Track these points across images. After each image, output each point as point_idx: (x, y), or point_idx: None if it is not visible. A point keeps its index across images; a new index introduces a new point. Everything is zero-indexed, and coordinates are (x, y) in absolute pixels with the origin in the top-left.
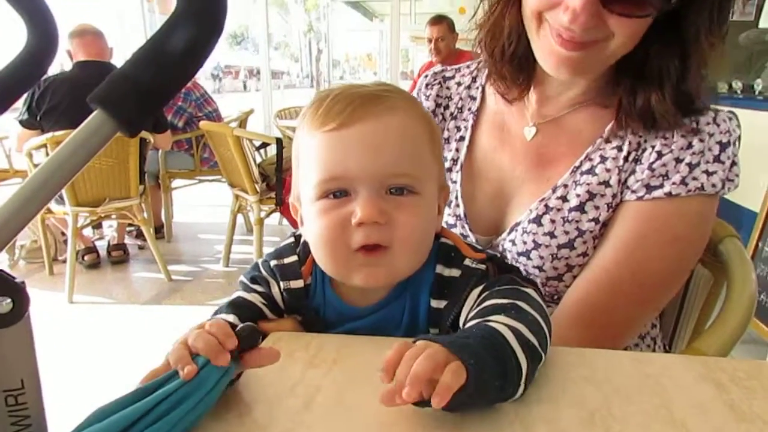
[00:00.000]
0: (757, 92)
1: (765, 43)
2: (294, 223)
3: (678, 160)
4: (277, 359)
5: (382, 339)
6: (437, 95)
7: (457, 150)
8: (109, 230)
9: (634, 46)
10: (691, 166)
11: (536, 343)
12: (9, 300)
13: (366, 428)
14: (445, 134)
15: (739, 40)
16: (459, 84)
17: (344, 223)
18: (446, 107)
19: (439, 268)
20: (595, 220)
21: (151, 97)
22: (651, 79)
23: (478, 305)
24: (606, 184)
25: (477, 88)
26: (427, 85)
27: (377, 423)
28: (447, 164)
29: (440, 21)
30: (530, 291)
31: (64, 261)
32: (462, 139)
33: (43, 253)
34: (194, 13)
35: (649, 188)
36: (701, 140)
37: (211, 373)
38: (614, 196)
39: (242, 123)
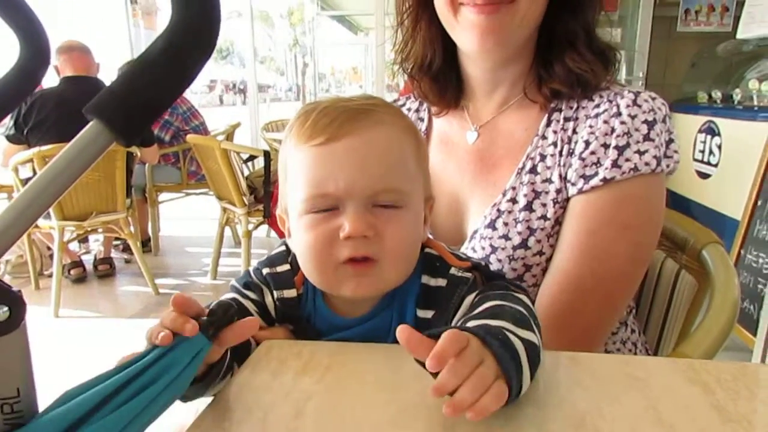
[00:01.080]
0: (735, 102)
1: (743, 54)
2: (282, 236)
3: (605, 146)
4: (255, 329)
5: (375, 345)
6: None
7: None
8: (96, 244)
9: (541, 9)
10: (620, 149)
11: (538, 354)
12: (6, 308)
13: None
14: None
15: (718, 51)
16: (409, 110)
17: (332, 237)
18: None
19: (425, 279)
20: (544, 218)
21: (145, 107)
22: (561, 45)
23: (474, 307)
24: (548, 180)
25: (424, 110)
26: None
27: (370, 429)
28: None
29: None
30: (522, 296)
31: (50, 275)
32: None
33: (29, 267)
34: (188, 25)
35: (585, 178)
36: (623, 122)
37: (185, 352)
38: (558, 191)
39: (229, 136)
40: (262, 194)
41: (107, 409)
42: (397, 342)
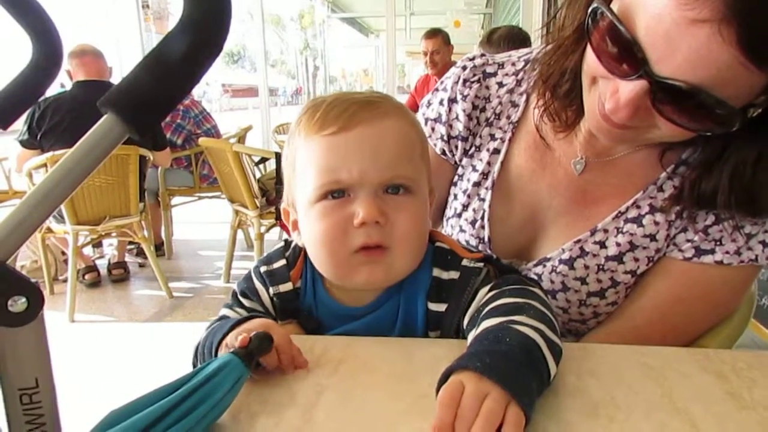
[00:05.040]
0: None
1: None
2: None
3: (737, 228)
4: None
5: (386, 339)
6: (476, 96)
7: (489, 164)
8: (110, 249)
9: (683, 139)
10: (749, 237)
11: (559, 343)
12: (24, 299)
13: (372, 426)
14: (477, 141)
15: None
16: (500, 85)
17: (345, 225)
18: (483, 110)
19: (436, 272)
20: (632, 273)
21: (157, 101)
22: (721, 173)
23: (487, 303)
24: (652, 237)
25: (521, 94)
26: (465, 81)
27: (383, 421)
28: (475, 177)
29: (435, 34)
30: (537, 290)
31: (65, 280)
32: (497, 152)
33: (43, 272)
34: (197, 22)
35: (699, 251)
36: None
37: (226, 379)
38: (658, 250)
39: (241, 139)
40: (274, 196)
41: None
42: (405, 334)
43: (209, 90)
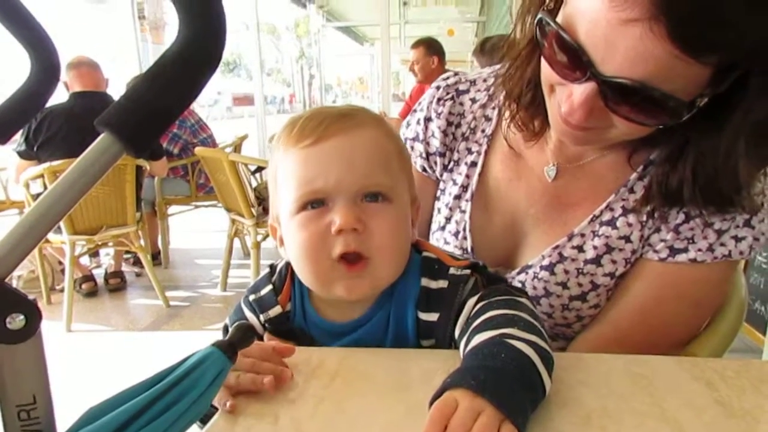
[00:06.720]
0: None
1: None
2: None
3: (707, 225)
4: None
5: (381, 350)
6: (449, 112)
7: (467, 176)
8: (106, 258)
9: (641, 136)
10: (720, 233)
11: (550, 353)
12: (22, 316)
13: None
14: (455, 156)
15: None
16: (473, 101)
17: (324, 233)
18: (458, 126)
19: (425, 281)
20: (611, 275)
21: (154, 119)
22: (684, 167)
23: (477, 315)
24: (626, 239)
25: (493, 108)
26: (438, 99)
27: (379, 430)
28: (455, 190)
29: (417, 45)
30: (524, 300)
31: (62, 290)
32: (474, 164)
33: (40, 282)
34: (194, 38)
35: (672, 251)
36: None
37: (207, 373)
38: (633, 251)
39: (237, 148)
40: None
41: (132, 429)
42: (396, 344)
43: (219, 99)
